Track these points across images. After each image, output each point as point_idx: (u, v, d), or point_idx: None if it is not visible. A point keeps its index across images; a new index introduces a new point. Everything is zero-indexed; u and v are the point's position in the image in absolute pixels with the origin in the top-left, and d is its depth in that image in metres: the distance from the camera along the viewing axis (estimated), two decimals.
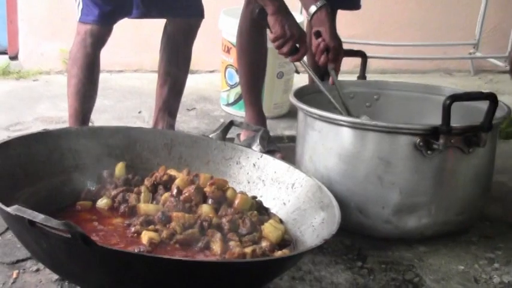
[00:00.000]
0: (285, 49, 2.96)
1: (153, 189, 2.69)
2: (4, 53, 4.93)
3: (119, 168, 2.76)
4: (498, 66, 5.60)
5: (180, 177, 2.71)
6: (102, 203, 2.67)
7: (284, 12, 2.98)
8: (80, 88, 3.27)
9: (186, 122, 3.97)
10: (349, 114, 2.97)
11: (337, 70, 3.11)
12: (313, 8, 3.02)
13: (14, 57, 4.90)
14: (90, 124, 3.39)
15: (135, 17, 3.26)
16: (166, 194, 2.64)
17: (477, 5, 5.64)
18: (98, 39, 3.23)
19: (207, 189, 2.64)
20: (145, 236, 2.38)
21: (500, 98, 2.79)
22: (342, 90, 3.06)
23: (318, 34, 3.01)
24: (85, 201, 2.69)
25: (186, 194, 2.59)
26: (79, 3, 3.19)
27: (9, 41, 4.91)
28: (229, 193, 2.66)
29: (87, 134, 2.82)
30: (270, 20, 2.97)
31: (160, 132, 3.04)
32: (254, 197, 2.71)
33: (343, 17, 3.78)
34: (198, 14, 3.47)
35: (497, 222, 3.06)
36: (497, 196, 3.19)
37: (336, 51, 3.06)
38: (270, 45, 3.84)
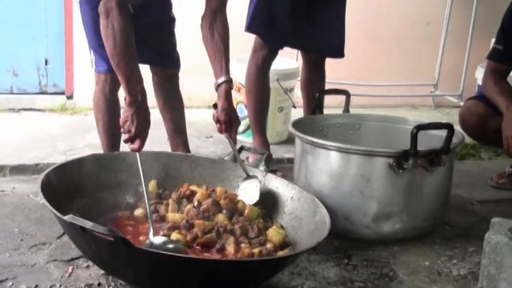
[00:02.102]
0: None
1: (179, 202, 2.68)
2: (62, 93, 4.93)
3: (152, 184, 2.75)
4: (453, 102, 5.61)
5: (200, 192, 2.70)
6: (138, 212, 2.66)
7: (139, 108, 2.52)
8: (106, 129, 3.24)
9: (205, 147, 3.95)
10: (246, 173, 2.83)
11: (232, 138, 2.83)
12: (217, 81, 2.83)
13: (69, 97, 4.91)
14: (127, 149, 3.35)
15: None
16: (189, 206, 2.64)
17: (435, 54, 5.66)
18: (113, 84, 3.12)
19: (222, 201, 2.63)
20: (174, 237, 2.40)
21: (455, 127, 2.82)
22: (238, 155, 2.86)
23: (215, 106, 2.84)
24: (125, 211, 2.68)
25: (205, 206, 2.60)
26: (92, 57, 3.12)
27: (67, 84, 4.92)
28: (240, 204, 2.66)
29: (125, 158, 2.79)
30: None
31: (184, 156, 3.01)
32: (260, 208, 2.70)
33: (330, 63, 3.78)
34: (175, 64, 3.36)
35: (455, 227, 3.04)
36: (454, 206, 3.17)
37: (227, 123, 2.80)
38: (272, 85, 3.87)
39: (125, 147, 3.24)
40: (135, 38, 2.76)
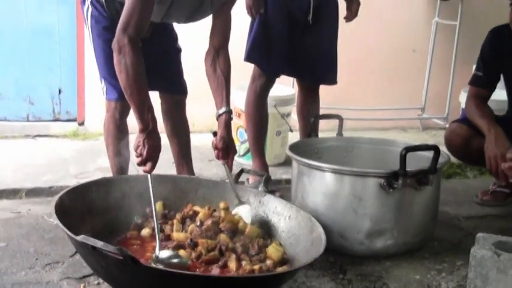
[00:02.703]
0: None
1: (183, 222, 2.67)
2: (74, 120, 4.94)
3: (158, 205, 2.72)
4: (439, 124, 5.59)
5: (202, 212, 2.68)
6: (145, 232, 2.64)
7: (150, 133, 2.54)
8: (116, 153, 3.21)
9: (207, 169, 3.94)
10: (238, 199, 2.81)
11: (228, 166, 2.84)
12: (218, 112, 2.86)
13: (81, 124, 4.92)
14: (136, 173, 3.35)
15: None
16: (192, 225, 2.62)
17: (422, 80, 5.67)
18: (122, 110, 3.12)
19: (222, 225, 2.60)
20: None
21: (441, 148, 2.82)
22: (233, 181, 2.85)
23: (215, 134, 2.86)
24: (133, 231, 2.66)
25: (206, 226, 2.56)
26: (103, 86, 3.11)
27: (78, 112, 4.93)
28: (241, 224, 2.63)
29: (134, 181, 2.79)
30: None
31: (189, 178, 3.01)
32: (259, 227, 2.69)
33: (324, 89, 3.78)
34: (182, 91, 3.34)
35: (443, 242, 3.02)
36: (442, 222, 3.15)
37: (224, 151, 2.83)
38: (270, 110, 3.86)
39: (132, 171, 3.27)
40: (146, 68, 2.80)
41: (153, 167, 2.52)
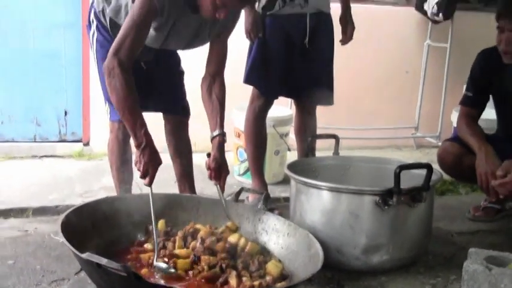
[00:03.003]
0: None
1: (184, 239, 2.66)
2: (80, 141, 4.94)
3: (161, 223, 2.72)
4: (432, 143, 5.61)
5: (203, 230, 2.68)
6: (148, 247, 2.63)
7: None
8: (120, 172, 3.22)
9: (209, 188, 3.88)
10: (229, 218, 2.80)
11: (220, 186, 2.84)
12: (212, 134, 2.88)
13: (86, 144, 4.91)
14: (139, 192, 3.35)
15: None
16: (194, 242, 2.61)
17: (415, 100, 5.69)
18: (125, 131, 3.06)
19: (220, 245, 2.58)
20: (179, 263, 2.44)
21: (434, 166, 2.82)
22: (225, 202, 2.84)
23: (209, 155, 2.87)
24: (136, 248, 2.65)
25: (207, 243, 2.56)
26: (107, 107, 3.12)
27: (84, 133, 4.93)
28: (241, 241, 2.62)
29: (137, 199, 2.78)
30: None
31: (190, 197, 3.00)
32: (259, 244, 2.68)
33: (321, 110, 3.79)
34: (184, 112, 3.34)
35: (437, 257, 3.01)
36: (436, 237, 3.13)
37: (217, 172, 2.83)
38: (269, 130, 3.87)
39: (136, 190, 3.27)
40: (150, 90, 2.98)
41: (151, 180, 2.56)
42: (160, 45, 2.92)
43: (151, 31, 2.79)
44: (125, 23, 2.63)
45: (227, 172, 2.88)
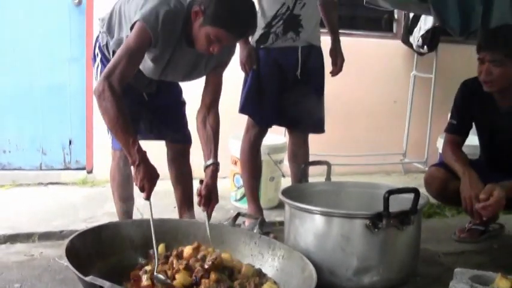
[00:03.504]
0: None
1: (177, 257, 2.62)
2: (83, 169, 4.94)
3: (161, 247, 2.69)
4: (419, 168, 5.63)
5: (187, 249, 2.64)
6: (147, 269, 2.56)
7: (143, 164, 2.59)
8: (121, 199, 3.22)
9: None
10: (210, 243, 2.71)
11: (208, 213, 2.79)
12: (206, 163, 2.87)
13: (90, 172, 4.92)
14: (140, 217, 3.35)
15: (143, 139, 3.15)
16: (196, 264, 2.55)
17: (403, 128, 5.74)
18: (126, 159, 3.00)
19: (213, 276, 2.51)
20: (178, 277, 2.42)
21: (421, 190, 2.81)
22: (209, 228, 2.76)
23: (201, 182, 2.85)
24: (136, 271, 2.61)
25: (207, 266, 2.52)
26: (109, 136, 3.10)
27: (87, 161, 4.94)
28: (238, 264, 2.60)
29: (139, 225, 2.78)
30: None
31: (190, 222, 2.99)
32: (254, 266, 2.65)
33: (313, 137, 3.80)
34: (186, 140, 3.34)
35: (425, 277, 2.99)
36: (424, 258, 3.12)
37: (207, 199, 2.79)
38: (264, 158, 3.88)
39: (137, 215, 3.26)
40: (152, 119, 3.06)
41: (148, 194, 2.58)
42: (159, 76, 2.94)
43: (149, 63, 2.82)
44: (119, 50, 2.66)
45: (216, 200, 2.85)
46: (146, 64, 2.87)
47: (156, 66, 2.86)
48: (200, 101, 3.03)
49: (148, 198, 2.58)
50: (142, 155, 2.57)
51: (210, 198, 2.82)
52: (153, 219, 2.55)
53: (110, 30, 2.97)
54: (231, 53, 3.00)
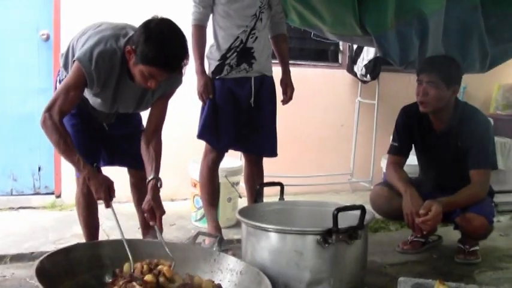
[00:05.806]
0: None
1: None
2: (52, 193, 4.85)
3: (126, 266, 2.63)
4: (366, 186, 5.67)
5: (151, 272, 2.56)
6: None
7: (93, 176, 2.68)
8: (86, 221, 3.18)
9: (169, 233, 3.89)
10: (167, 254, 2.66)
11: (158, 226, 2.71)
12: (148, 178, 2.80)
13: (58, 196, 4.82)
14: (106, 238, 3.29)
15: (106, 165, 3.12)
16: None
17: (350, 149, 5.79)
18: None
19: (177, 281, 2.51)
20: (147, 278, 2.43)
21: (367, 207, 2.86)
22: (163, 240, 2.70)
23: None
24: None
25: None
26: None
27: (56, 186, 4.85)
28: (196, 279, 2.58)
29: (104, 245, 2.75)
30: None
31: (153, 242, 2.93)
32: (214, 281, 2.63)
33: (267, 160, 3.81)
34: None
35: (372, 286, 3.04)
36: (371, 269, 3.17)
37: (151, 213, 2.71)
38: (221, 180, 3.87)
39: (103, 236, 3.21)
40: (114, 147, 3.07)
41: (106, 202, 2.66)
42: (109, 110, 2.94)
43: (96, 98, 2.86)
44: (59, 86, 2.74)
45: (162, 211, 2.74)
46: (95, 100, 2.89)
47: (103, 101, 2.87)
48: (145, 125, 3.01)
49: (108, 206, 2.66)
50: (89, 169, 2.66)
51: (154, 211, 2.73)
52: (119, 240, 2.51)
53: (66, 65, 2.95)
54: (177, 83, 2.96)
